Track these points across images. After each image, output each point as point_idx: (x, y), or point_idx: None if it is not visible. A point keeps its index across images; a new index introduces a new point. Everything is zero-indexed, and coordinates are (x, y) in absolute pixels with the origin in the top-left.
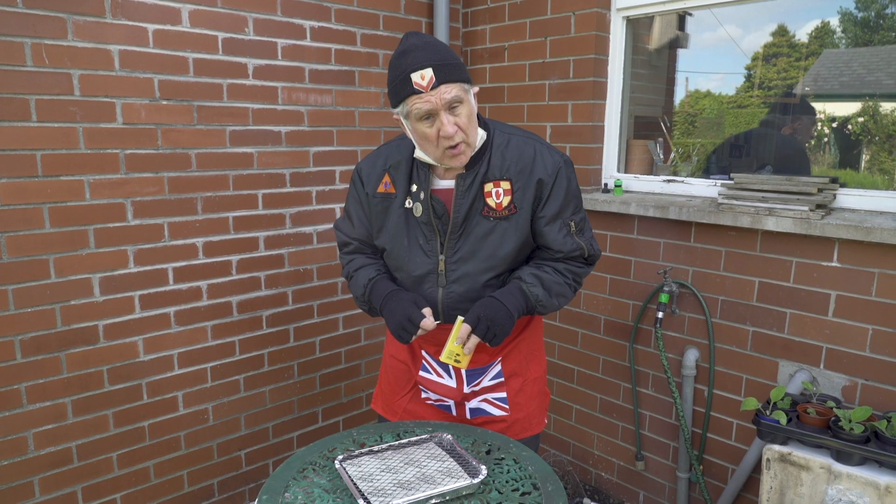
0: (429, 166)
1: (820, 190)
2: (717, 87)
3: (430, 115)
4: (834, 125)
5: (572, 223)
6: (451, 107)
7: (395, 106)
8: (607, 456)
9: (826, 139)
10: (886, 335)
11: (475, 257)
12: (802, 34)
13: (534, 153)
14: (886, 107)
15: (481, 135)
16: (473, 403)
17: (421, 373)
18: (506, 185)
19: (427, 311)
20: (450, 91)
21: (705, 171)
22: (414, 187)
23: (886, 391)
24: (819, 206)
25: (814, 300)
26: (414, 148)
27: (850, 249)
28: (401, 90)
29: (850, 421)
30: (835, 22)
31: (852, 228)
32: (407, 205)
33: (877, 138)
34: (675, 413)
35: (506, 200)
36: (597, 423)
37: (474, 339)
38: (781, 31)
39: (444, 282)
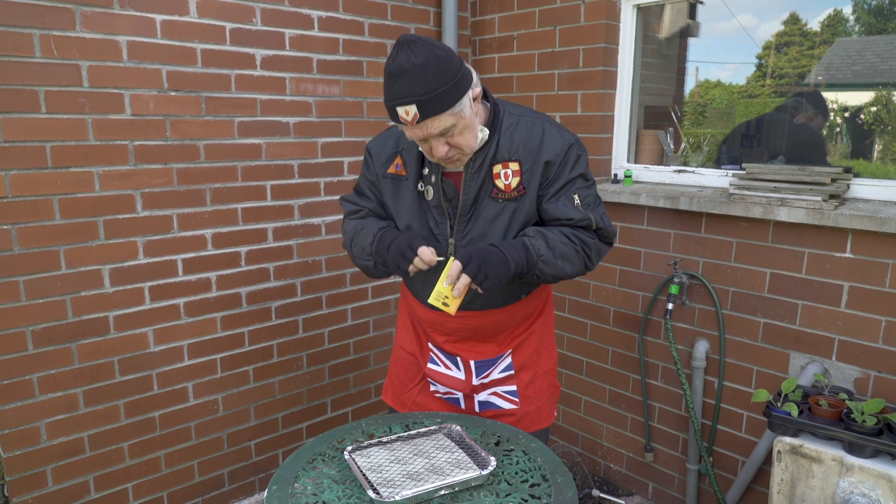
0: None
1: (833, 180)
2: (729, 77)
3: (423, 140)
4: (846, 115)
5: (576, 196)
6: (442, 133)
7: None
8: (616, 447)
9: (838, 129)
10: None
11: (485, 240)
12: (815, 22)
13: (542, 132)
14: None
15: (484, 134)
16: (482, 396)
17: (429, 365)
18: (514, 166)
19: (430, 248)
20: (437, 124)
21: (716, 162)
22: (426, 170)
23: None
24: (832, 197)
25: (826, 291)
26: None
27: (863, 240)
28: (391, 114)
29: (862, 413)
30: (848, 10)
31: (866, 219)
32: (420, 188)
33: (889, 128)
34: (684, 404)
35: (514, 181)
36: (606, 414)
37: (465, 280)
38: (793, 20)
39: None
